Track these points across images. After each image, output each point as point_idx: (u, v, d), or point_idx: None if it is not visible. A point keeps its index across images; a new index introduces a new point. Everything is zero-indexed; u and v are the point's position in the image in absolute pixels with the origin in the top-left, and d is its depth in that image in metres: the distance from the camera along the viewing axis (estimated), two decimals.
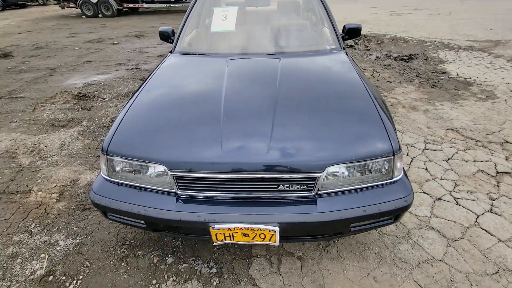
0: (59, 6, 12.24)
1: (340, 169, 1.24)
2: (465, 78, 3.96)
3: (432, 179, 2.10)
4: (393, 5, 11.43)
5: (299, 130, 1.33)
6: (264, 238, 1.23)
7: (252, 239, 1.24)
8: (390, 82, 3.96)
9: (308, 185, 1.23)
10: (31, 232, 1.76)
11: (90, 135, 2.80)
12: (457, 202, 1.89)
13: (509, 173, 2.14)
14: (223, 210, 1.23)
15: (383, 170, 1.27)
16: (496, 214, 1.79)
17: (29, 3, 18.22)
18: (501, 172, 2.15)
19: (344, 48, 2.18)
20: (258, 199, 1.25)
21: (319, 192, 1.24)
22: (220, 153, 1.22)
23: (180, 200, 1.27)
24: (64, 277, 1.49)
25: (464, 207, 1.84)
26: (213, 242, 1.27)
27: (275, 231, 1.17)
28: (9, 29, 9.59)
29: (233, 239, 1.25)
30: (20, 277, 1.49)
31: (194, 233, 1.37)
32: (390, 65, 4.65)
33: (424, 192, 1.98)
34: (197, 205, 1.25)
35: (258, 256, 1.58)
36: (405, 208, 1.25)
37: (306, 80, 1.75)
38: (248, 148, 1.26)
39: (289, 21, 2.54)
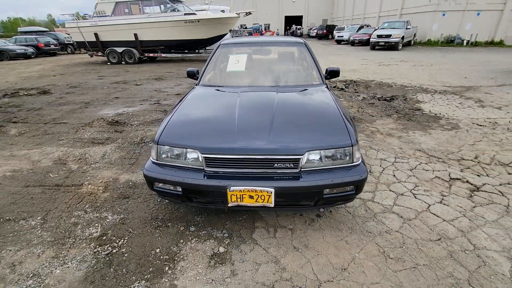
0: (88, 55, 13.98)
1: (316, 155, 1.85)
2: (435, 114, 4.69)
3: (398, 182, 2.65)
4: (382, 58, 12.91)
5: (288, 131, 1.97)
6: (264, 200, 1.78)
7: (256, 200, 1.79)
8: (373, 116, 4.69)
9: (294, 164, 1.82)
10: (86, 210, 2.30)
11: (125, 149, 3.45)
12: (415, 196, 2.42)
13: (460, 179, 2.69)
14: (236, 180, 1.80)
15: (346, 157, 1.87)
16: (445, 204, 2.31)
17: (59, 52, 20.54)
18: (453, 178, 2.71)
19: (325, 83, 2.92)
20: (260, 174, 1.83)
21: (302, 170, 1.83)
22: (235, 142, 1.85)
23: (206, 174, 1.85)
24: (114, 237, 2.00)
25: (420, 200, 2.37)
26: (228, 204, 1.82)
27: (271, 192, 1.74)
28: (44, 72, 10.96)
29: (242, 201, 1.80)
30: (81, 237, 2.00)
31: (215, 197, 1.90)
32: (374, 103, 5.45)
33: (390, 190, 2.52)
34: (218, 177, 1.83)
35: (259, 227, 2.09)
36: (361, 181, 1.81)
37: (295, 102, 2.45)
38: (254, 140, 1.88)
39: (285, 65, 3.37)
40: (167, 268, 1.75)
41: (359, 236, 1.98)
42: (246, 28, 34.57)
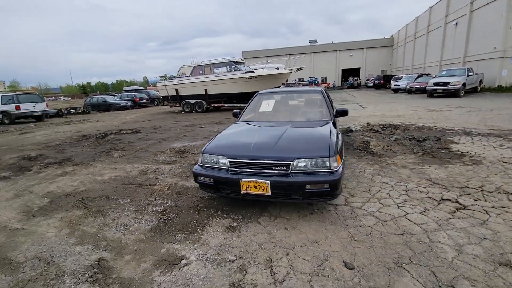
0: (169, 106, 17.47)
1: (302, 162, 2.68)
2: (462, 152, 4.83)
3: (389, 197, 3.14)
4: (436, 105, 12.67)
5: (285, 147, 2.87)
6: (263, 189, 2.65)
7: (258, 190, 2.67)
8: (396, 153, 5.10)
9: (286, 167, 2.68)
10: (155, 198, 3.47)
11: (185, 167, 4.73)
12: (398, 207, 2.90)
13: (451, 200, 3.03)
14: (247, 175, 2.74)
15: (324, 164, 2.65)
16: (423, 215, 2.73)
17: (148, 104, 25.75)
18: (445, 199, 3.05)
19: (333, 120, 3.75)
20: (263, 173, 2.73)
21: (292, 171, 2.67)
22: (249, 152, 2.84)
23: (229, 171, 2.84)
24: (170, 213, 3.06)
25: (401, 210, 2.84)
26: (241, 191, 2.73)
27: (268, 184, 2.61)
28: (137, 119, 14.20)
29: (250, 190, 2.70)
30: (151, 210, 3.13)
31: (234, 187, 2.82)
32: (403, 143, 5.80)
33: (379, 203, 3.04)
34: (237, 174, 2.80)
35: (265, 215, 2.89)
36: (334, 181, 2.54)
37: (299, 132, 3.35)
38: (261, 151, 2.84)
39: (302, 107, 4.36)
40: (198, 229, 2.68)
41: (337, 226, 2.60)
42: (302, 80, 37.45)
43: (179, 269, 2.11)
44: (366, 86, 37.93)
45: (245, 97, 15.53)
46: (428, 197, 3.13)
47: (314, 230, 2.56)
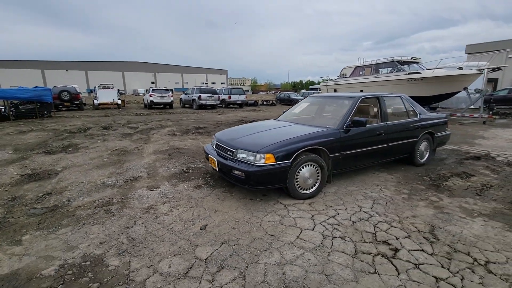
0: None
1: (242, 153, 3.31)
2: None
3: (330, 217, 2.88)
4: None
5: (243, 140, 3.52)
6: (214, 165, 3.58)
7: (214, 165, 3.63)
8: (479, 195, 3.49)
9: (232, 153, 3.42)
10: (199, 161, 5.18)
11: None
12: (321, 223, 2.72)
13: (391, 245, 2.34)
14: (216, 154, 3.74)
15: (254, 158, 3.13)
16: (325, 237, 2.48)
17: None
18: (386, 242, 2.39)
19: (340, 129, 3.61)
20: (219, 153, 3.63)
21: (233, 158, 3.38)
22: (225, 138, 3.79)
23: (214, 150, 3.95)
24: (192, 169, 4.65)
25: (316, 225, 2.68)
26: (210, 164, 3.80)
27: (216, 161, 3.52)
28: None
29: (211, 164, 3.71)
30: (186, 165, 4.87)
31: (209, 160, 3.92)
32: None
33: (312, 215, 2.92)
34: (215, 151, 3.87)
35: (224, 188, 3.75)
36: (247, 172, 3.02)
37: (283, 131, 3.70)
38: (231, 139, 3.69)
39: (324, 112, 4.25)
40: (185, 181, 4.08)
41: (245, 211, 3.05)
42: None
43: (149, 191, 3.70)
44: None
45: None
46: (374, 233, 2.56)
47: (228, 206, 3.19)
